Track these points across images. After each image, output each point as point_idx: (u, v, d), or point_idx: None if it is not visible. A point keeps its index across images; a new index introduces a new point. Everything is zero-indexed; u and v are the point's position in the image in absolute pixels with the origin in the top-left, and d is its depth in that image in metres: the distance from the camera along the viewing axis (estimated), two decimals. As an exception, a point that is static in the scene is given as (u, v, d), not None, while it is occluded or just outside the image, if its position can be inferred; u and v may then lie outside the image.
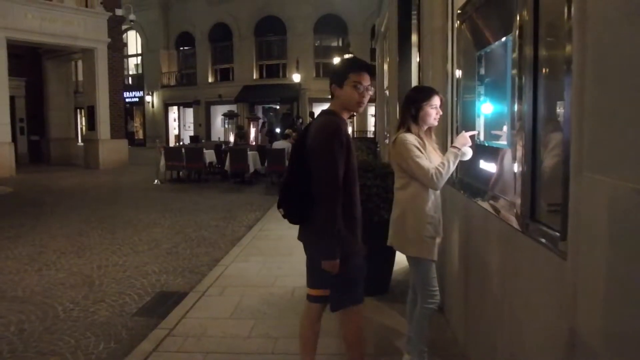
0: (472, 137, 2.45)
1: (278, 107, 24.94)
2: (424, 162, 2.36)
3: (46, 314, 3.64)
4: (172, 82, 28.04)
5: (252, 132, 16.82)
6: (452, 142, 2.71)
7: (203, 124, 26.82)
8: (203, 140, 19.86)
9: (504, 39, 2.15)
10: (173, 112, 28.85)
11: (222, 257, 5.01)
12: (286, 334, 3.10)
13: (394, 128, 3.08)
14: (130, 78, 29.15)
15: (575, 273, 1.39)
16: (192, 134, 23.84)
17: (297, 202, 2.15)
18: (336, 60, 18.73)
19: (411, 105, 2.46)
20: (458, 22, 2.95)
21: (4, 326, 3.41)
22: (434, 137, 2.58)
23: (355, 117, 19.50)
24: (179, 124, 28.66)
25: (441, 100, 2.48)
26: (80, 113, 21.90)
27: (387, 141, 8.30)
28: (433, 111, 2.43)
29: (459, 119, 3.01)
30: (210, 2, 25.46)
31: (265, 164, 11.32)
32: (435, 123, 2.48)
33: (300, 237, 2.30)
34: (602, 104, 1.26)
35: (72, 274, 4.63)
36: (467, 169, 2.80)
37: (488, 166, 2.45)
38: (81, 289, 4.20)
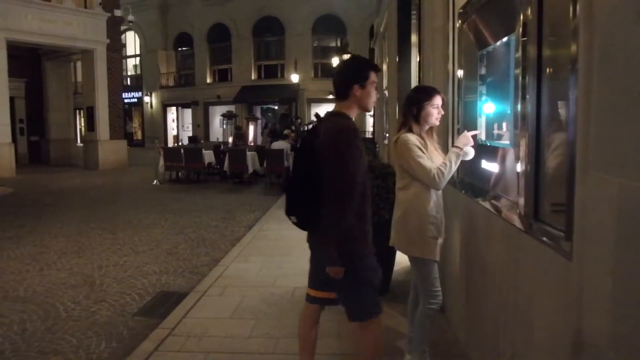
0: (473, 136, 2.46)
1: (276, 107, 24.95)
2: (425, 162, 2.36)
3: (48, 313, 3.64)
4: (171, 83, 28.00)
5: (251, 132, 16.78)
6: (453, 142, 2.71)
7: (201, 124, 26.78)
8: (202, 141, 19.84)
9: (506, 38, 2.15)
10: (171, 112, 28.81)
11: (222, 258, 5.00)
12: (287, 334, 3.10)
13: (394, 128, 3.07)
14: (129, 79, 29.09)
15: (581, 273, 1.38)
16: (190, 134, 23.83)
17: (311, 208, 2.05)
18: (335, 60, 18.74)
19: (413, 105, 2.46)
20: (459, 21, 2.95)
21: (7, 326, 3.41)
22: (435, 137, 2.58)
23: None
24: (178, 125, 28.61)
25: (443, 100, 2.48)
26: (80, 114, 21.81)
27: (386, 142, 8.30)
28: (435, 111, 2.43)
29: (460, 119, 3.02)
30: (208, 3, 25.44)
31: (264, 164, 11.31)
32: (437, 123, 2.48)
33: (309, 240, 2.24)
34: (609, 103, 1.25)
35: (73, 274, 4.63)
36: (468, 168, 2.80)
37: (490, 166, 2.45)
38: (82, 288, 4.20)
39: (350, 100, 2.12)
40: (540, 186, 1.78)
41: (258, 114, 24.25)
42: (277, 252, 5.10)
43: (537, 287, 1.76)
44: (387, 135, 8.21)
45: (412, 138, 2.41)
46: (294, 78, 23.01)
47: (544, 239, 1.68)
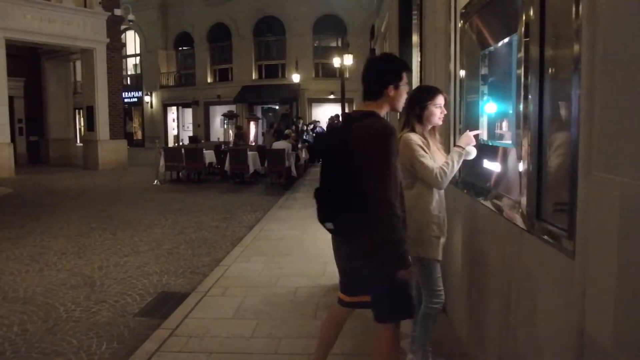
0: (475, 136, 2.46)
1: (277, 107, 24.94)
2: (428, 161, 2.36)
3: (48, 314, 3.63)
4: (171, 83, 27.99)
5: (252, 132, 16.77)
6: (455, 142, 2.71)
7: (202, 124, 26.78)
8: (202, 141, 19.82)
9: (508, 38, 2.15)
10: (172, 112, 28.80)
11: (224, 258, 5.00)
12: (289, 334, 3.10)
13: (397, 128, 3.07)
14: (128, 78, 29.07)
15: (583, 272, 1.39)
16: (191, 134, 23.80)
17: (351, 212, 1.96)
18: (336, 60, 18.74)
19: (415, 105, 2.45)
20: (461, 21, 2.94)
21: (7, 327, 3.40)
22: (438, 136, 2.58)
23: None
24: (178, 125, 28.60)
25: (445, 100, 2.48)
26: (79, 113, 21.83)
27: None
28: (437, 110, 2.43)
29: (462, 119, 3.01)
30: (209, 3, 25.43)
31: (265, 164, 11.30)
32: (440, 122, 2.49)
33: (339, 246, 2.15)
34: (612, 102, 1.26)
35: (74, 274, 4.62)
36: (470, 168, 2.79)
37: (492, 165, 2.44)
38: (83, 289, 4.19)
39: (383, 100, 2.07)
40: (542, 185, 1.78)
41: (259, 114, 24.24)
42: (279, 253, 5.09)
43: (539, 286, 1.76)
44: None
45: (415, 138, 2.41)
46: (295, 78, 23.01)
47: (547, 237, 1.69)
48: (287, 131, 13.45)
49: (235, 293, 3.90)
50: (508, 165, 2.22)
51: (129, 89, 27.78)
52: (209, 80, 26.54)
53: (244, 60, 25.20)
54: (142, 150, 23.96)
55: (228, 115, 19.65)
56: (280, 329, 3.20)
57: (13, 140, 14.52)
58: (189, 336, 3.10)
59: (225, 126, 20.40)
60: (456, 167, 2.39)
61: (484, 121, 2.58)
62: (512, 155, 2.13)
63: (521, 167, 1.93)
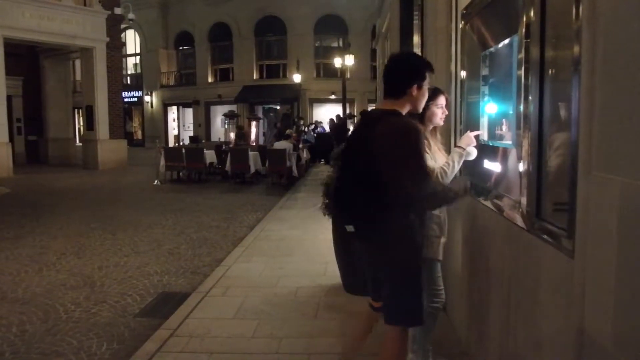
0: (476, 137, 2.46)
1: (279, 107, 24.93)
2: (429, 162, 2.36)
3: (48, 315, 3.62)
4: (172, 82, 28.00)
5: (253, 132, 16.76)
6: (456, 142, 2.71)
7: (203, 124, 26.79)
8: (203, 141, 19.81)
9: (509, 39, 2.15)
10: (172, 112, 28.81)
11: (224, 258, 5.00)
12: (290, 334, 3.10)
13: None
14: (128, 78, 29.07)
15: (583, 271, 1.39)
16: (191, 134, 23.80)
17: (374, 214, 1.92)
18: (338, 60, 18.74)
19: (417, 105, 2.45)
20: (462, 22, 2.94)
21: (6, 327, 3.39)
22: (439, 136, 2.59)
23: (354, 117, 19.51)
24: (179, 124, 28.61)
25: (447, 100, 2.49)
26: (79, 113, 21.82)
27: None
28: (439, 111, 2.43)
29: (462, 119, 3.02)
30: (209, 2, 25.43)
31: (266, 164, 11.30)
32: (441, 123, 2.49)
33: (362, 251, 2.12)
34: (612, 102, 1.26)
35: (73, 274, 4.62)
36: (471, 168, 2.79)
37: (492, 166, 2.45)
38: (82, 289, 4.19)
39: (405, 100, 2.03)
40: (542, 185, 1.79)
41: (260, 114, 24.24)
42: (280, 253, 5.10)
43: (539, 286, 1.76)
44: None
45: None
46: (296, 78, 23.02)
47: (546, 237, 1.69)
48: (288, 131, 13.46)
49: (236, 293, 3.90)
50: (508, 165, 2.22)
51: (129, 88, 27.78)
52: (210, 79, 26.55)
53: (245, 60, 25.21)
54: (142, 150, 23.97)
55: (229, 115, 19.62)
56: (281, 329, 3.20)
57: (11, 139, 14.48)
58: (189, 336, 3.10)
59: (226, 126, 20.39)
60: (457, 168, 2.40)
61: (484, 121, 2.58)
62: (513, 155, 2.14)
63: (521, 167, 1.93)
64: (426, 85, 2.06)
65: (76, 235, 6.23)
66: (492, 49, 2.45)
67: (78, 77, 20.54)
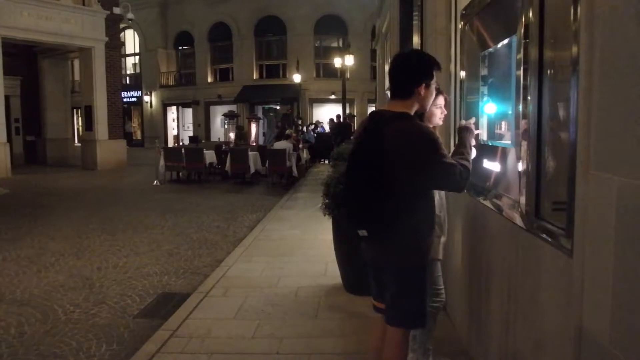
0: (475, 137, 2.46)
1: (278, 107, 24.93)
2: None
3: (46, 316, 3.61)
4: (171, 82, 27.99)
5: (253, 132, 16.75)
6: (455, 142, 2.71)
7: (202, 124, 26.79)
8: (202, 141, 19.80)
9: (508, 39, 2.16)
10: (172, 112, 28.80)
11: (225, 258, 5.00)
12: (291, 334, 3.10)
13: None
14: (128, 77, 29.05)
15: (582, 270, 1.40)
16: (191, 134, 23.79)
17: (388, 218, 1.90)
18: (338, 60, 18.72)
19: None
20: (462, 22, 2.95)
21: (4, 329, 3.38)
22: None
23: (355, 117, 19.52)
24: (178, 124, 28.60)
25: (446, 100, 2.49)
26: (77, 113, 21.80)
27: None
28: (438, 111, 2.43)
29: (462, 119, 3.02)
30: (209, 2, 25.43)
31: (266, 164, 11.30)
32: (441, 122, 2.49)
33: (370, 253, 2.10)
34: (610, 102, 1.27)
35: (72, 275, 4.61)
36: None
37: (491, 165, 2.46)
38: (81, 290, 4.18)
39: (413, 100, 1.98)
40: (541, 185, 1.80)
41: (260, 114, 24.23)
42: (280, 253, 5.10)
43: (538, 285, 1.77)
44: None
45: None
46: (296, 78, 23.01)
47: (545, 236, 1.70)
48: (288, 131, 13.45)
49: (237, 293, 3.90)
50: (507, 165, 2.23)
51: (128, 88, 27.77)
52: (210, 79, 26.54)
53: (245, 60, 25.21)
54: (141, 150, 23.96)
55: (229, 115, 19.64)
56: (282, 329, 3.20)
57: (9, 140, 14.38)
58: (190, 337, 3.10)
59: (226, 126, 20.40)
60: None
61: (483, 121, 2.59)
62: (512, 155, 2.15)
63: (520, 166, 1.94)
64: (434, 84, 2.02)
65: (75, 236, 6.22)
66: (491, 50, 2.46)
67: (77, 77, 20.50)
